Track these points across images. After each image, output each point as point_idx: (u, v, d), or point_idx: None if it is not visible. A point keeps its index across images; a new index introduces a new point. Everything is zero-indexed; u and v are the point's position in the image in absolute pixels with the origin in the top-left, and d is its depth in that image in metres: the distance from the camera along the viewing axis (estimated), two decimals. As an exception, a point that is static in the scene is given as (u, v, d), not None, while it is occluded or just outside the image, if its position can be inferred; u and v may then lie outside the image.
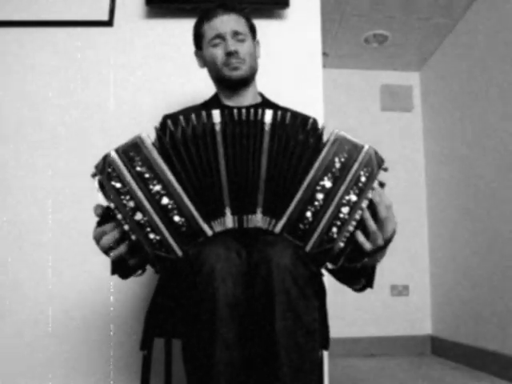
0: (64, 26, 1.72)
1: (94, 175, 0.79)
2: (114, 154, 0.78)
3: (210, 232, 0.78)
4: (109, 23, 1.73)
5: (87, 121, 1.66)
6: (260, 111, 0.81)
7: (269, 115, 0.81)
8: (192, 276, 0.75)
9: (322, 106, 1.67)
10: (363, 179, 0.78)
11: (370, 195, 0.79)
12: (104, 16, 1.73)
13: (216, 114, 0.81)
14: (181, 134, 0.80)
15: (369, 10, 2.56)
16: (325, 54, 3.01)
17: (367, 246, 0.80)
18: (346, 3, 2.48)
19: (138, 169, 0.77)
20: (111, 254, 0.80)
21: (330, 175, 0.78)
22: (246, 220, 0.80)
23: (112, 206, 0.77)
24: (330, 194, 0.77)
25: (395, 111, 3.17)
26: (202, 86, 1.68)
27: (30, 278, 1.55)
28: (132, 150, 0.78)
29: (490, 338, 2.22)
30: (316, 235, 0.77)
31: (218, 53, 1.16)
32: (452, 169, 2.71)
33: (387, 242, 0.82)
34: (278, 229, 0.78)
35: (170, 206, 0.77)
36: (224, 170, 0.79)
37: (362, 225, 0.80)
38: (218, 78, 1.20)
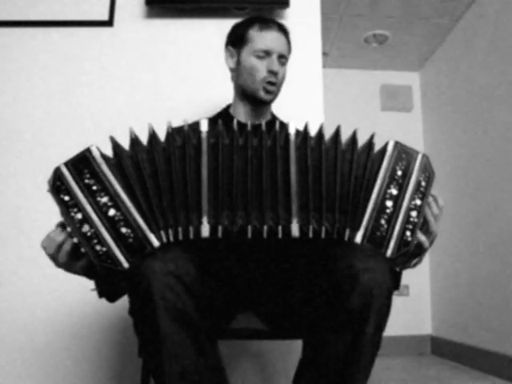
0: (64, 25, 1.72)
1: (49, 190, 0.78)
2: (63, 168, 0.78)
3: (156, 243, 0.77)
4: (109, 23, 1.73)
5: (87, 121, 1.66)
6: (278, 123, 0.81)
7: (292, 128, 0.81)
8: (133, 291, 0.76)
9: (321, 106, 1.67)
10: (423, 184, 0.83)
11: (430, 199, 0.84)
12: (104, 16, 1.73)
13: (204, 124, 0.80)
14: (147, 143, 0.80)
15: (369, 10, 2.56)
16: (325, 54, 3.01)
17: (427, 244, 0.84)
18: (346, 3, 2.48)
19: (87, 181, 0.77)
20: (59, 259, 0.80)
21: (394, 183, 0.82)
22: (265, 230, 0.78)
23: (62, 219, 0.78)
24: (397, 200, 0.81)
25: (395, 111, 3.18)
26: (202, 86, 1.68)
27: (28, 277, 1.55)
28: (81, 163, 0.78)
29: (490, 338, 2.22)
30: (393, 241, 0.80)
31: (260, 67, 1.16)
32: (452, 169, 2.71)
33: (432, 241, 0.86)
34: (358, 239, 0.79)
35: (116, 218, 0.76)
36: (206, 180, 0.78)
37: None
38: (249, 92, 1.19)
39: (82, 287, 1.54)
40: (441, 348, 2.75)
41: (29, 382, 1.50)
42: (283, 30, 1.20)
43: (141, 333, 0.77)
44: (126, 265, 0.76)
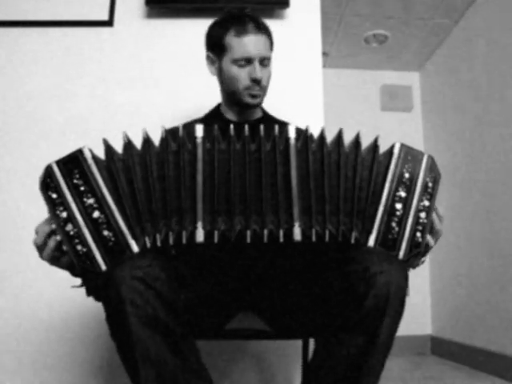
0: (64, 25, 1.72)
1: (39, 187, 0.79)
2: (54, 166, 0.78)
3: (136, 249, 0.77)
4: (109, 23, 1.73)
5: (87, 121, 1.66)
6: (277, 128, 0.81)
7: (292, 132, 0.81)
8: (104, 299, 0.77)
9: (322, 106, 1.67)
10: (430, 185, 0.84)
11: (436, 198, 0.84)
12: (104, 16, 1.73)
13: (199, 129, 0.80)
14: (141, 147, 0.80)
15: (369, 10, 2.56)
16: (325, 54, 3.01)
17: (432, 242, 0.84)
18: (345, 3, 2.49)
19: (75, 181, 0.78)
20: (44, 254, 0.80)
21: (402, 185, 0.82)
22: (265, 234, 0.78)
23: (48, 216, 0.78)
24: (406, 203, 0.81)
25: (395, 111, 3.17)
26: (201, 86, 1.68)
27: (25, 275, 1.55)
28: (72, 163, 0.78)
29: (490, 338, 2.22)
30: (405, 243, 0.80)
31: (242, 75, 1.14)
32: (452, 169, 2.71)
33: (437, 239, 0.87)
34: (371, 242, 0.80)
35: (100, 220, 0.77)
36: (201, 185, 0.78)
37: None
38: (235, 99, 1.18)
39: (76, 281, 1.54)
40: (441, 348, 2.75)
41: (23, 380, 1.50)
42: (261, 29, 1.15)
43: (115, 339, 0.77)
44: (103, 267, 0.76)
